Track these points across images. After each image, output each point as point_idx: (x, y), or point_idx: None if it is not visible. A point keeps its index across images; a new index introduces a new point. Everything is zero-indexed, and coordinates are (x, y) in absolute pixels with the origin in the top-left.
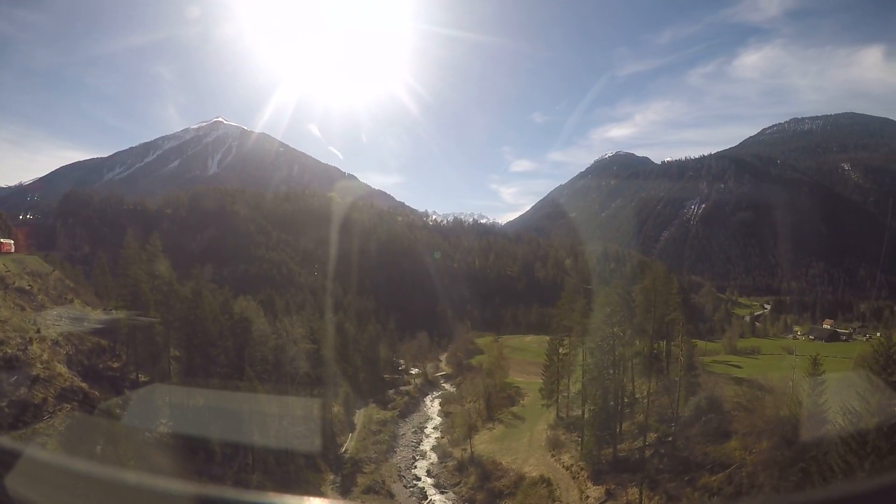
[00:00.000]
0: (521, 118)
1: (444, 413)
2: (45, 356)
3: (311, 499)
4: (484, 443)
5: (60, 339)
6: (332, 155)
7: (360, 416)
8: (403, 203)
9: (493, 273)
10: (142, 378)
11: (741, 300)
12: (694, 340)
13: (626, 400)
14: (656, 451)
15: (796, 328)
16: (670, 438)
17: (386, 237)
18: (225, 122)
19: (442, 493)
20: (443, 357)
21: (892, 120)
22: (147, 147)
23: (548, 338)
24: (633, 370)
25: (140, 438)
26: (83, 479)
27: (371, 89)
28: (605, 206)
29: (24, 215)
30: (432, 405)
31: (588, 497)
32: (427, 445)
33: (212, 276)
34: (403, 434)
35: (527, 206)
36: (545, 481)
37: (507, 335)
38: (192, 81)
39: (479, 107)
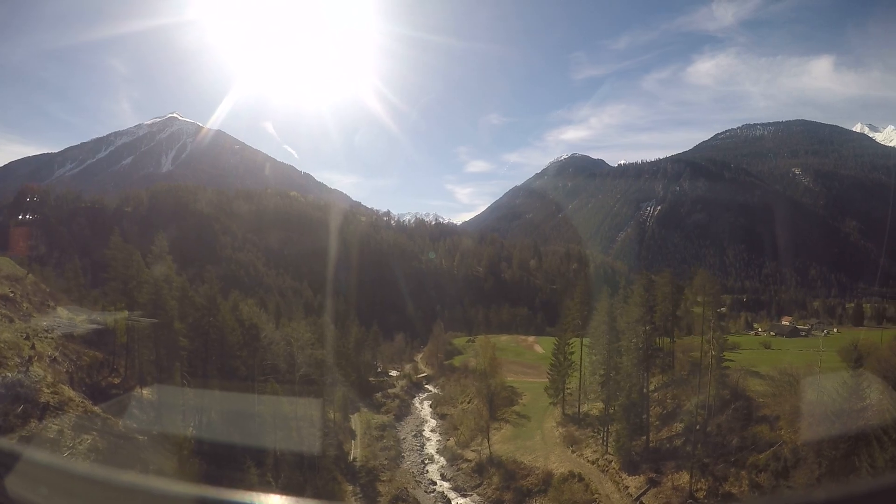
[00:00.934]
0: (479, 119)
1: (439, 415)
2: (49, 378)
3: (312, 500)
4: (496, 443)
5: (57, 354)
6: (287, 154)
7: (356, 421)
8: (360, 203)
9: (460, 273)
10: (146, 394)
11: (699, 299)
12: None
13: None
14: (686, 439)
15: (757, 325)
16: (698, 427)
17: (352, 238)
18: (180, 118)
19: (464, 496)
20: (418, 358)
21: (840, 127)
22: (99, 143)
23: (522, 337)
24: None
25: (165, 446)
26: (82, 480)
27: (327, 88)
28: (563, 207)
29: None
30: (422, 407)
31: (627, 487)
32: (431, 448)
33: None
34: (404, 438)
35: (482, 207)
36: (576, 476)
37: (481, 335)
38: (147, 76)
39: (437, 107)
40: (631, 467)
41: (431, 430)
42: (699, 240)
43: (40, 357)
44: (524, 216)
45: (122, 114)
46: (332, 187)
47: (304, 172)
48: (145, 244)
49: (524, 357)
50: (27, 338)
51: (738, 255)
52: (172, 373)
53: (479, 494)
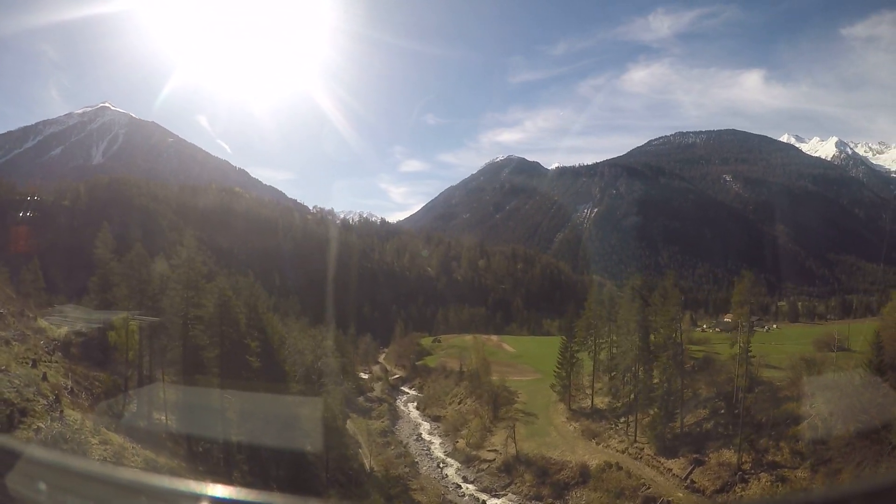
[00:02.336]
0: (414, 119)
1: (430, 417)
2: (80, 419)
3: (312, 500)
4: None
5: (71, 383)
6: (220, 148)
7: (354, 428)
8: (296, 200)
9: (412, 273)
10: (158, 417)
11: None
12: None
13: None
14: (716, 422)
15: (701, 322)
16: (722, 411)
17: (301, 236)
18: (112, 107)
19: (497, 496)
20: (381, 359)
21: (769, 137)
22: (27, 131)
23: (485, 336)
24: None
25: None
26: (83, 478)
27: (262, 83)
28: (500, 208)
29: None
30: (408, 410)
31: (670, 470)
32: (438, 452)
33: None
34: (406, 443)
35: (415, 207)
36: (613, 466)
37: (445, 335)
38: (78, 62)
39: (374, 106)
40: (667, 452)
41: (429, 434)
42: (635, 241)
43: (58, 389)
44: (461, 216)
45: (50, 102)
46: (267, 184)
47: (240, 168)
48: (86, 240)
49: (498, 356)
50: (34, 365)
51: (673, 256)
52: (194, 377)
53: (513, 493)
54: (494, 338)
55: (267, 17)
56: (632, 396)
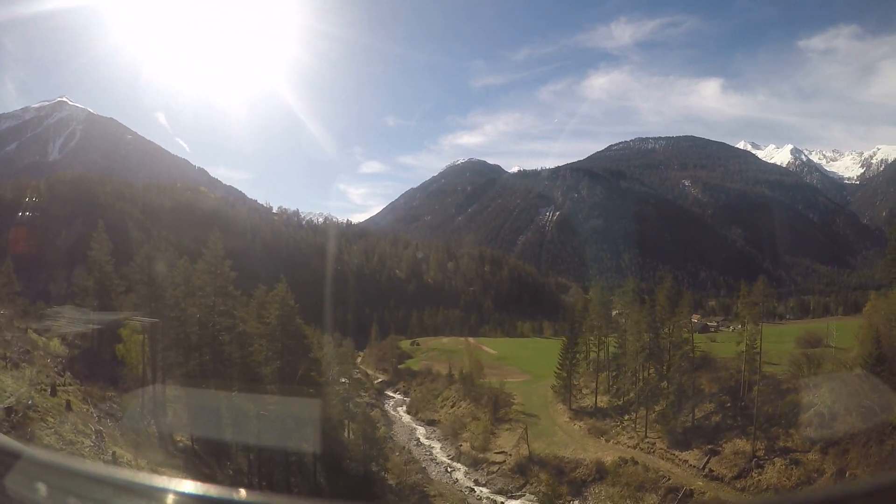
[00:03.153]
0: (375, 120)
1: (424, 421)
2: (131, 457)
3: (312, 500)
4: (524, 443)
5: (92, 409)
6: (178, 146)
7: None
8: (256, 201)
9: (382, 276)
10: (181, 439)
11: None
12: None
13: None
14: (724, 415)
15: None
16: (728, 405)
17: (270, 236)
18: (70, 102)
19: (513, 497)
20: (358, 361)
21: (726, 144)
22: None
23: (461, 339)
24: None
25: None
26: (82, 478)
27: (222, 80)
28: (462, 211)
29: None
30: (399, 414)
31: (686, 461)
32: (442, 456)
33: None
34: (408, 449)
35: (375, 208)
36: (629, 461)
37: (421, 338)
38: (36, 56)
39: (334, 106)
40: (680, 445)
41: (427, 438)
42: (596, 244)
43: (95, 426)
44: (423, 218)
45: (6, 95)
46: (227, 183)
47: (199, 167)
48: (48, 241)
49: (482, 359)
50: (53, 393)
51: (634, 258)
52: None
53: (531, 493)
54: (471, 340)
55: (226, 13)
56: (631, 394)
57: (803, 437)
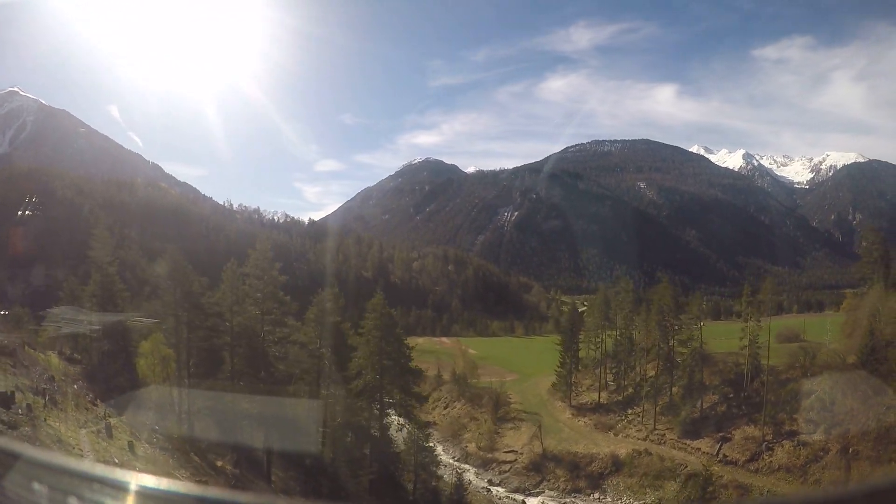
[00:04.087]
0: (332, 118)
1: (418, 424)
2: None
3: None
4: (534, 440)
5: (134, 440)
6: (131, 141)
7: None
8: (211, 198)
9: (350, 275)
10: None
11: (563, 298)
12: None
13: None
14: (728, 405)
15: None
16: (731, 395)
17: (234, 235)
18: (21, 93)
19: (532, 494)
20: None
21: (681, 148)
22: None
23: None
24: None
25: None
26: (81, 479)
27: (175, 74)
28: (420, 210)
29: None
30: (388, 418)
31: (699, 449)
32: (447, 458)
33: (44, 280)
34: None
35: (330, 207)
36: (643, 452)
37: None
38: None
39: (291, 102)
40: (690, 435)
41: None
42: (555, 244)
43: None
44: (380, 217)
45: None
46: (181, 180)
47: (153, 163)
48: (3, 234)
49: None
50: (132, 449)
51: (591, 258)
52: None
53: (549, 489)
54: (446, 340)
55: (179, 5)
56: (630, 390)
57: (806, 420)
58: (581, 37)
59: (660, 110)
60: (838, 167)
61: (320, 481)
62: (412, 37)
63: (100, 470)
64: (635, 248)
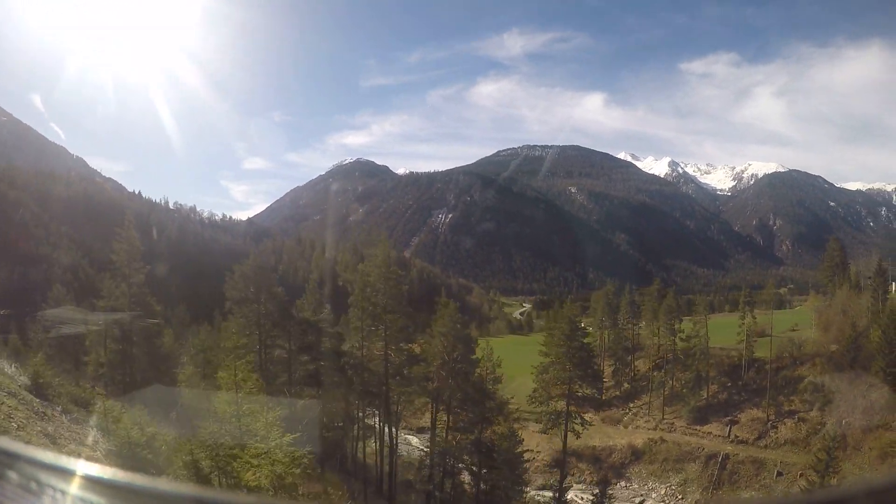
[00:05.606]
0: (261, 115)
1: (414, 430)
2: None
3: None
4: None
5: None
6: (54, 132)
7: None
8: (150, 197)
9: (297, 278)
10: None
11: (503, 300)
12: None
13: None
14: (729, 392)
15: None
16: (729, 384)
17: (176, 235)
18: None
19: (557, 490)
20: None
21: (609, 155)
22: None
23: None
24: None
25: None
26: (80, 480)
27: (100, 62)
28: (353, 211)
29: None
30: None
31: (710, 433)
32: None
33: None
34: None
35: (258, 206)
36: (657, 440)
37: None
38: None
39: (220, 98)
40: (699, 421)
41: (426, 446)
42: (489, 246)
43: None
44: (312, 218)
45: None
46: (106, 175)
47: (77, 156)
48: None
49: None
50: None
51: (525, 260)
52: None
53: (576, 482)
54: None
55: None
56: (627, 385)
57: (802, 400)
58: (514, 43)
59: (588, 118)
60: (759, 176)
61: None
62: (346, 36)
63: (100, 470)
64: (568, 251)
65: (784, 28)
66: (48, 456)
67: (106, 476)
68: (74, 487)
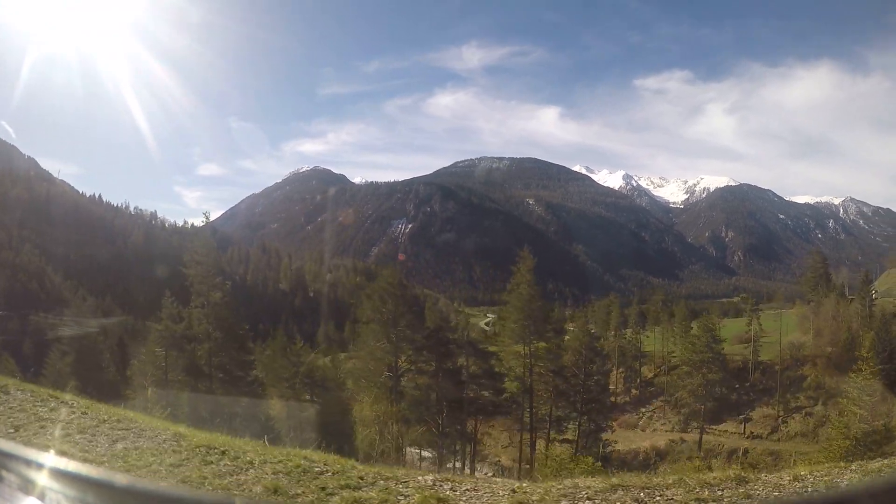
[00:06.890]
0: (215, 120)
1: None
2: None
3: None
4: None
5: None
6: (4, 130)
7: None
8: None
9: (267, 288)
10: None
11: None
12: None
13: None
14: (738, 393)
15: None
16: (737, 385)
17: (142, 241)
18: None
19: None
20: None
21: (565, 167)
22: None
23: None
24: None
25: None
26: (80, 481)
27: (53, 60)
28: (311, 219)
29: None
30: None
31: (726, 431)
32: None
33: None
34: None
35: (212, 214)
36: (677, 441)
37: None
38: None
39: (174, 100)
40: (714, 420)
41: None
42: (449, 257)
43: None
44: (269, 226)
45: None
46: (59, 177)
47: (29, 156)
48: None
49: None
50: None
51: (485, 271)
52: None
53: None
54: None
55: None
56: (635, 391)
57: (807, 397)
58: (472, 56)
59: (543, 131)
60: (711, 189)
61: None
62: (304, 43)
63: (99, 472)
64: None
65: (736, 48)
66: (48, 457)
67: (106, 477)
68: (74, 489)
